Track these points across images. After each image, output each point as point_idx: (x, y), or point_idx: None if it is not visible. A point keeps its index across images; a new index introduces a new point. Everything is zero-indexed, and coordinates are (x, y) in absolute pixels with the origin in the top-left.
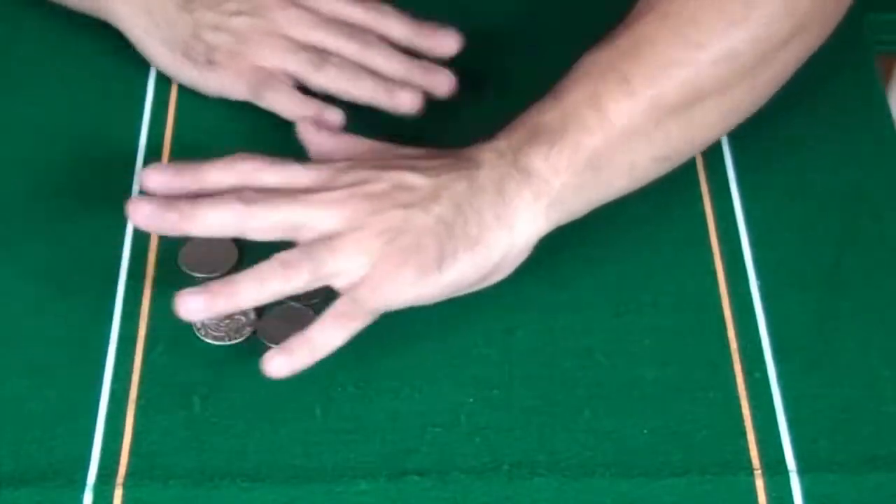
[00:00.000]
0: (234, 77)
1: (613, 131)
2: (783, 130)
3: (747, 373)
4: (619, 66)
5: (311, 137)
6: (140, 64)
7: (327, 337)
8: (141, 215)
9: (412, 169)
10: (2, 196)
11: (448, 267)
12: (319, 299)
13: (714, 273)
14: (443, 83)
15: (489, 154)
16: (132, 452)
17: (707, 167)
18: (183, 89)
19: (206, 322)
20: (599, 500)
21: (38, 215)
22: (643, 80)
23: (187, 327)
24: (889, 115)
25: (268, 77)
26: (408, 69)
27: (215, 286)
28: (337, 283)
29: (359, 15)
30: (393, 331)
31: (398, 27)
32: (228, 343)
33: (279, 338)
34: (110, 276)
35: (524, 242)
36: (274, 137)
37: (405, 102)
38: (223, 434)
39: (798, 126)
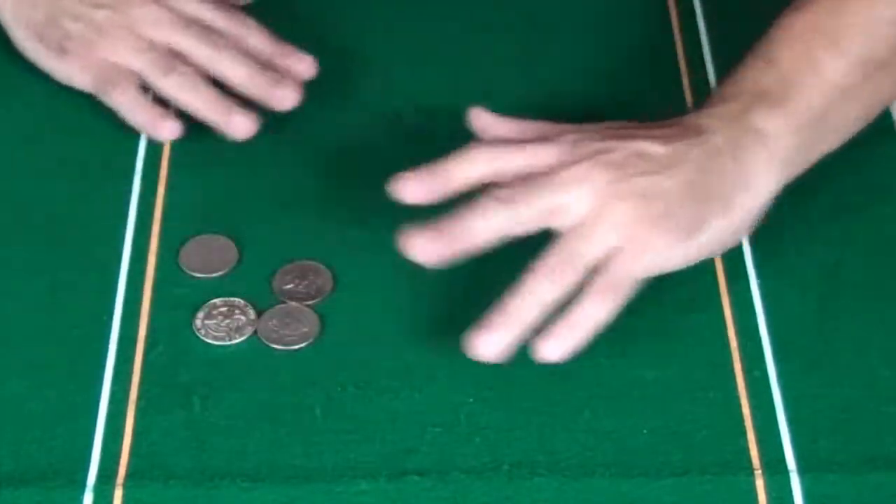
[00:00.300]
0: (82, 68)
1: (831, 90)
2: None
3: (747, 373)
4: (827, 26)
5: (484, 123)
6: None
7: (594, 314)
8: (421, 252)
9: (645, 137)
10: (2, 196)
11: (699, 232)
12: (320, 299)
13: (714, 273)
14: (286, 98)
15: (715, 121)
16: (132, 453)
17: None
18: None
19: (206, 322)
20: (599, 500)
21: (38, 216)
22: (853, 38)
23: (187, 327)
24: (889, 115)
25: (115, 74)
26: (251, 77)
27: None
28: (592, 254)
29: (220, 21)
30: (393, 331)
31: (257, 39)
32: (228, 343)
33: (279, 338)
34: (110, 276)
35: (761, 203)
36: (275, 134)
37: (238, 127)
38: (223, 434)
39: None
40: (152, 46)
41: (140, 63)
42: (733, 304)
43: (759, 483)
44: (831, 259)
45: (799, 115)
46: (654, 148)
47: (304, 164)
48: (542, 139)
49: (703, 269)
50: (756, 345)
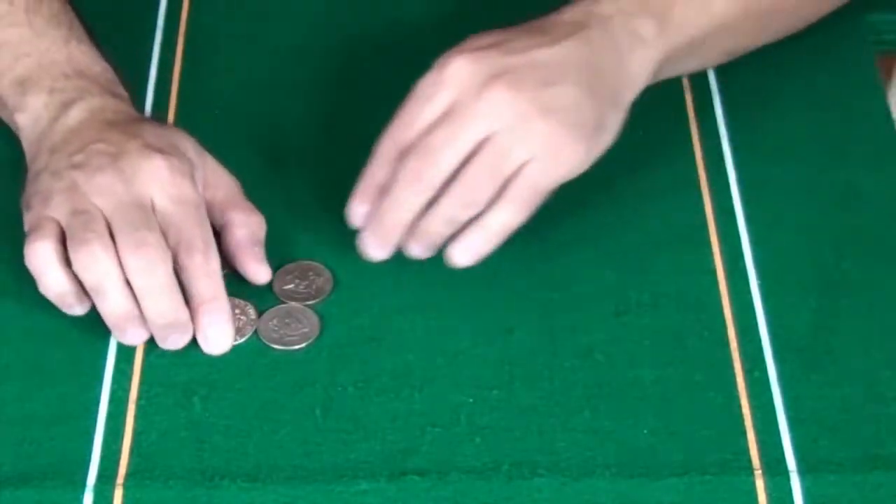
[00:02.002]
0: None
1: (710, 22)
2: (783, 130)
3: (747, 373)
4: None
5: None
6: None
7: (505, 220)
8: (371, 250)
9: (533, 46)
10: (2, 196)
11: (601, 131)
12: (320, 299)
13: (714, 273)
14: (171, 342)
15: (595, 19)
16: (132, 452)
17: (707, 167)
18: (183, 91)
19: None
20: (599, 500)
21: None
22: None
23: None
24: (889, 115)
25: (42, 220)
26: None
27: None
28: (508, 169)
29: (183, 232)
30: (393, 331)
31: (201, 282)
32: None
33: (279, 338)
34: None
35: (632, 100)
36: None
37: (129, 339)
38: (223, 434)
39: (798, 126)
40: (86, 213)
41: (64, 218)
42: (733, 304)
43: (759, 483)
44: (831, 259)
45: (677, 36)
46: (544, 53)
47: (303, 165)
48: (432, 87)
49: (703, 269)
50: (756, 345)
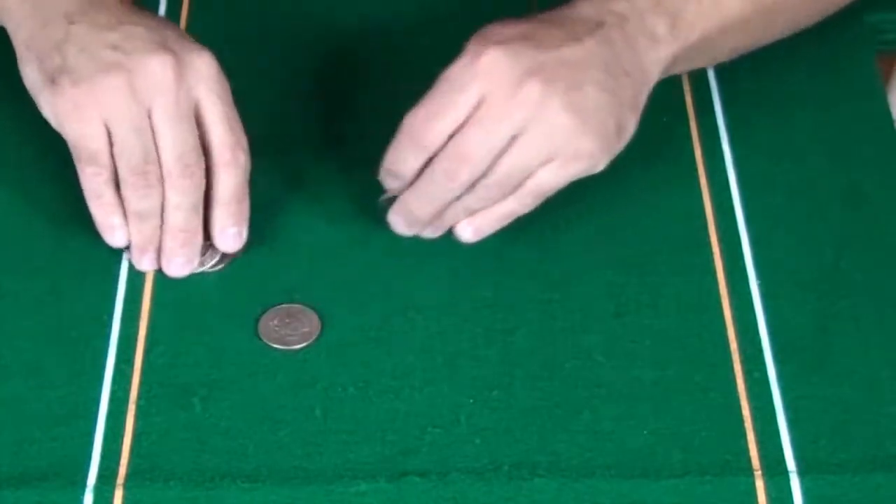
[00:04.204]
0: (65, 111)
1: (722, 21)
2: (783, 130)
3: (747, 373)
4: None
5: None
6: None
7: (516, 210)
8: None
9: (559, 42)
10: (2, 196)
11: (622, 133)
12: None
13: (714, 273)
14: (173, 267)
15: (612, 16)
16: (132, 453)
17: (707, 167)
18: None
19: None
20: (599, 500)
21: (38, 216)
22: None
23: (187, 327)
24: (889, 115)
25: (95, 151)
26: (181, 223)
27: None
28: (530, 168)
29: (217, 129)
30: (393, 331)
31: (224, 185)
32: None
33: (280, 338)
34: (110, 275)
35: (646, 101)
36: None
37: (142, 266)
38: (223, 434)
39: (798, 126)
40: (138, 128)
41: (118, 134)
42: (733, 304)
43: (759, 484)
44: (831, 259)
45: (689, 34)
46: (572, 52)
47: (304, 164)
48: (465, 77)
49: (703, 269)
50: (756, 345)
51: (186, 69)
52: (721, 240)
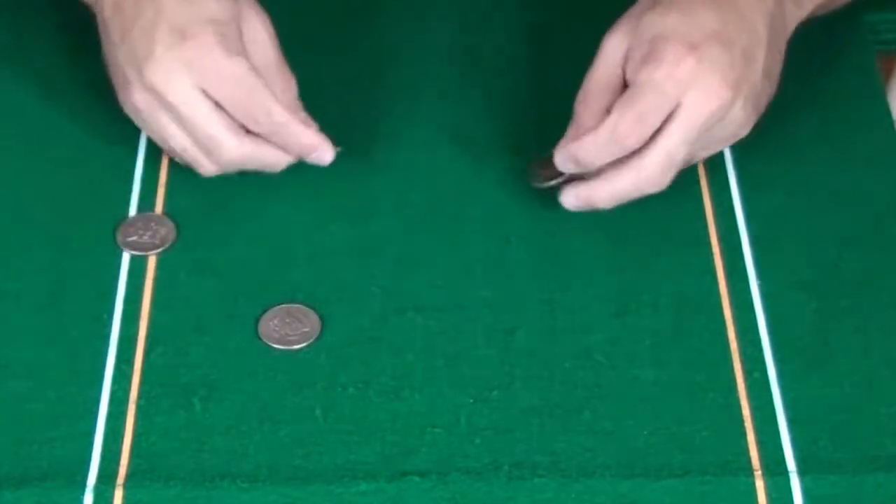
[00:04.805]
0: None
1: None
2: (783, 130)
3: (747, 373)
4: None
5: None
6: None
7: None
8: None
9: (733, 35)
10: (2, 196)
11: (764, 108)
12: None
13: (714, 273)
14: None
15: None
16: (132, 453)
17: (707, 167)
18: None
19: None
20: (599, 500)
21: (38, 215)
22: None
23: (187, 327)
24: (889, 115)
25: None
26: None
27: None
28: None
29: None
30: (393, 331)
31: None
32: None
33: (280, 338)
34: (110, 275)
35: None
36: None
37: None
38: (223, 434)
39: (798, 126)
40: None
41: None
42: (733, 305)
43: (759, 484)
44: (831, 259)
45: (806, 12)
46: (753, 51)
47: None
48: (663, 88)
49: (703, 269)
50: (756, 345)
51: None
52: (721, 240)
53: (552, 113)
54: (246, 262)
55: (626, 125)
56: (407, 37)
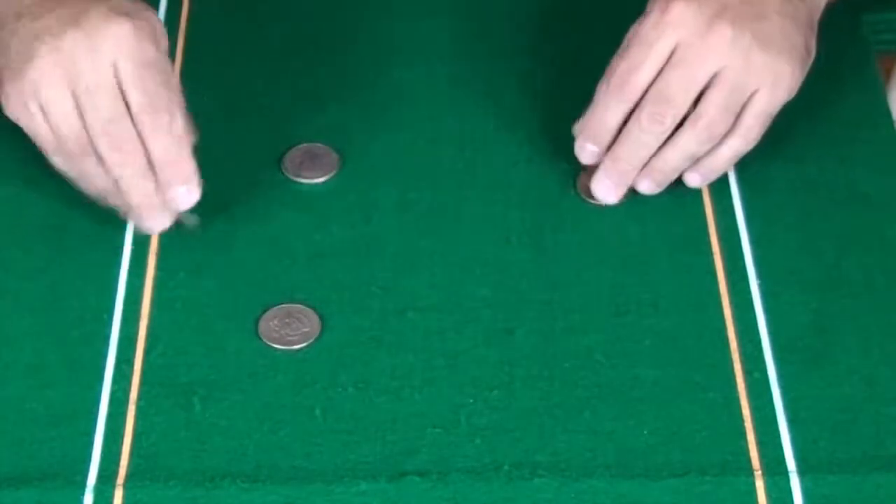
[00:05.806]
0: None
1: None
2: (783, 130)
3: (747, 373)
4: None
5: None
6: None
7: (739, 147)
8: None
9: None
10: (2, 196)
11: (809, 53)
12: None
13: (714, 273)
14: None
15: None
16: (132, 453)
17: None
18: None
19: None
20: (599, 500)
21: (38, 216)
22: None
23: (187, 327)
24: (889, 115)
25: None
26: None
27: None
28: (741, 101)
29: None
30: (393, 331)
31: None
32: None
33: (280, 338)
34: (111, 275)
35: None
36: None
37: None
38: (223, 434)
39: (798, 126)
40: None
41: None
42: (733, 304)
43: (759, 484)
44: (831, 259)
45: None
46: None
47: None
48: (656, 31)
49: (702, 269)
50: (756, 345)
51: (99, 41)
52: (721, 240)
53: (553, 113)
54: (246, 262)
55: (619, 76)
56: (407, 36)
